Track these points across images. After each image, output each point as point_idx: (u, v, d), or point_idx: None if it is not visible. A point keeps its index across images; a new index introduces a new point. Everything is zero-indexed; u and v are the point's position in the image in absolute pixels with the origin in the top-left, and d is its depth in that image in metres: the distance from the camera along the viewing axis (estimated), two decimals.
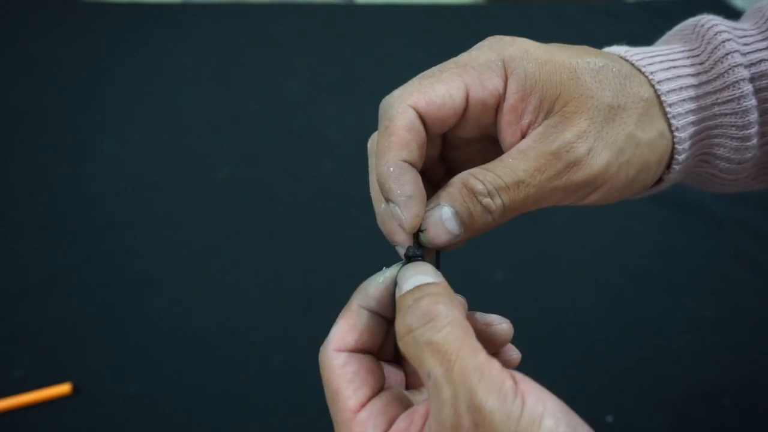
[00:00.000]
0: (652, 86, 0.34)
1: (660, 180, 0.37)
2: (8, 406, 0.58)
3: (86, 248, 0.72)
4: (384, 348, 0.33)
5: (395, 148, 0.30)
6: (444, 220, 0.31)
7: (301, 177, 0.82)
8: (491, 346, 0.32)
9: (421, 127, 0.31)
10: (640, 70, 0.35)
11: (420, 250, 0.31)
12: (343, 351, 0.30)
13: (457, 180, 0.31)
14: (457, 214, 0.31)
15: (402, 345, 0.27)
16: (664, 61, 0.36)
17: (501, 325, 0.32)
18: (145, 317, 0.66)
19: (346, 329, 0.31)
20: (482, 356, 0.25)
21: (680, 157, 0.35)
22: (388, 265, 0.32)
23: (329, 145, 0.85)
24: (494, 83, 0.31)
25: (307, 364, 0.63)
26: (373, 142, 0.35)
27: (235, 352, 0.64)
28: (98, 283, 0.69)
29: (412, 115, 0.31)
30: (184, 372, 0.62)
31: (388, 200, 0.31)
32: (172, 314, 0.66)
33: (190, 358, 0.63)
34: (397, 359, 0.34)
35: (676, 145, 0.35)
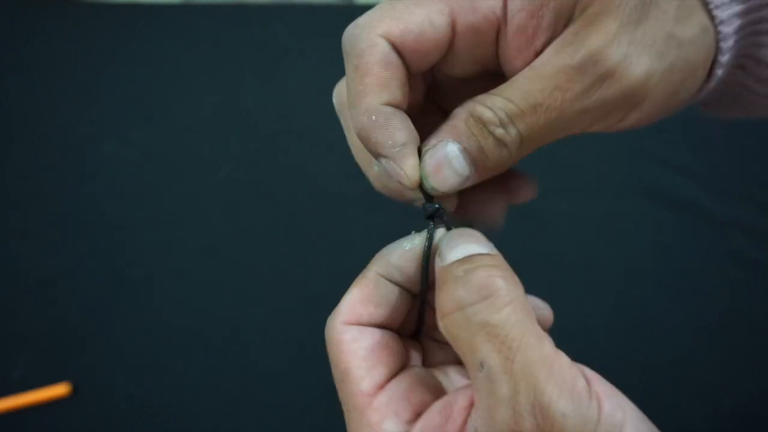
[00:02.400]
0: None
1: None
2: (6, 406, 0.57)
3: (86, 248, 0.72)
4: (403, 325, 0.28)
5: (372, 90, 0.24)
6: (450, 159, 0.25)
7: (301, 177, 0.82)
8: None
9: (398, 61, 0.25)
10: None
11: (441, 208, 0.26)
12: (354, 324, 0.25)
13: (461, 110, 0.25)
14: (465, 151, 0.25)
15: (446, 324, 0.22)
16: None
17: (542, 311, 0.27)
18: (144, 317, 0.66)
19: (359, 299, 0.26)
20: (549, 346, 0.21)
21: (723, 59, 0.28)
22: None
23: (329, 145, 0.85)
24: (489, 4, 0.25)
25: (307, 365, 0.63)
26: (340, 92, 0.29)
27: (234, 353, 0.63)
28: (97, 283, 0.69)
29: (385, 48, 0.24)
30: (183, 372, 0.62)
31: (378, 156, 0.25)
32: (172, 314, 0.66)
33: (189, 359, 0.63)
34: (415, 335, 0.29)
35: (720, 43, 0.27)
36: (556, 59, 0.25)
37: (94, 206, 0.77)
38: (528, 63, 0.25)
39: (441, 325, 0.23)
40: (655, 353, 0.64)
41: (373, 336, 0.25)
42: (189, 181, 0.81)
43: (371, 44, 0.25)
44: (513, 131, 0.25)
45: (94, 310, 0.66)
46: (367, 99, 0.25)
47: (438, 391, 0.25)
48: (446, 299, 0.22)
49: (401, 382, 0.25)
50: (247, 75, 0.98)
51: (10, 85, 0.95)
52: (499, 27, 0.25)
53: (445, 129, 0.25)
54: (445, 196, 0.26)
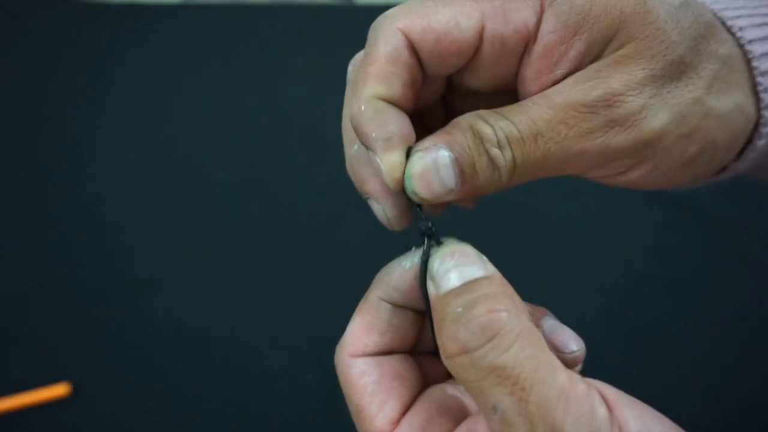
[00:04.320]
0: (740, 46, 0.26)
1: (724, 167, 0.28)
2: (6, 407, 0.57)
3: (86, 248, 0.72)
4: (420, 341, 0.26)
5: (372, 81, 0.23)
6: (439, 165, 0.23)
7: (301, 177, 0.82)
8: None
9: (409, 59, 0.23)
10: (723, 22, 0.26)
11: (426, 218, 0.24)
12: (360, 356, 0.24)
13: (463, 120, 0.24)
14: (456, 162, 0.23)
15: (451, 366, 0.21)
16: (754, 16, 0.26)
17: (575, 353, 0.24)
18: (144, 318, 0.66)
19: (363, 328, 0.24)
20: (563, 376, 0.19)
21: (761, 143, 0.26)
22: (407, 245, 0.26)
23: (329, 145, 0.85)
24: (523, 16, 0.23)
25: (306, 365, 0.63)
26: (355, 66, 0.27)
27: (234, 353, 0.63)
28: (97, 283, 0.69)
29: (398, 42, 0.23)
30: (183, 372, 0.62)
31: (367, 148, 0.24)
32: (171, 314, 0.66)
33: (189, 359, 0.63)
34: (436, 350, 0.27)
35: (762, 127, 0.26)
36: (570, 92, 0.23)
37: (94, 206, 0.77)
38: (543, 89, 0.24)
39: (446, 364, 0.21)
40: (655, 353, 0.64)
41: (381, 367, 0.24)
42: (189, 181, 0.81)
43: (386, 35, 0.23)
44: (508, 155, 0.23)
45: (94, 310, 0.66)
46: (365, 88, 0.23)
47: (459, 413, 0.24)
48: (448, 341, 0.20)
49: (418, 415, 0.23)
50: (246, 75, 0.98)
51: (10, 85, 0.95)
52: (527, 43, 0.24)
53: (442, 134, 0.24)
54: (425, 203, 0.24)
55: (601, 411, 0.19)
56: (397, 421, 0.23)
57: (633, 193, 0.78)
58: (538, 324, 0.25)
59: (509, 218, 0.72)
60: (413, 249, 0.25)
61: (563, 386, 0.19)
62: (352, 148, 0.26)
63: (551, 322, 0.25)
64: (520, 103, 0.24)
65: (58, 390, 0.58)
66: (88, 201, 0.78)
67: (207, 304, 0.67)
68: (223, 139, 0.87)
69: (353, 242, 0.73)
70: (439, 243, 0.24)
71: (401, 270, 0.24)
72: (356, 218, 0.77)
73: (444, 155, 0.23)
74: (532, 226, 0.76)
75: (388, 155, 0.23)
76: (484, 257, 0.22)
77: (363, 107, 0.23)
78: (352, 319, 0.25)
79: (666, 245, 0.76)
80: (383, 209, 0.25)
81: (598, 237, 0.76)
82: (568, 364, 0.24)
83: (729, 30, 0.26)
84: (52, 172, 0.81)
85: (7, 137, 0.86)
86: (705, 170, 0.26)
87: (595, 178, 0.25)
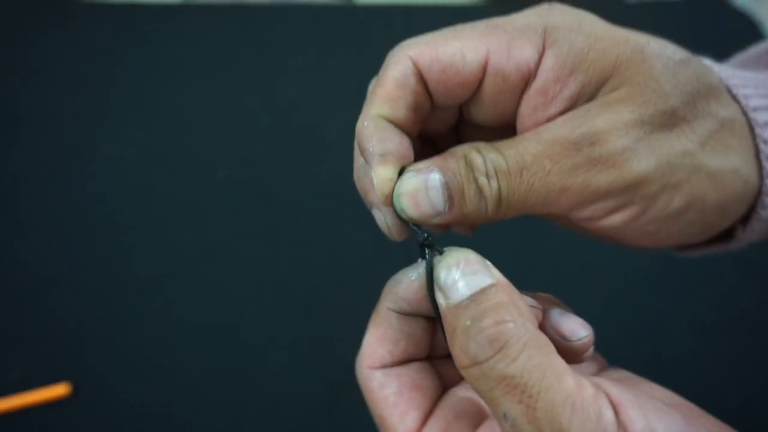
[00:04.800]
0: (744, 113, 0.26)
1: (730, 236, 0.28)
2: (6, 407, 0.57)
3: (86, 248, 0.72)
4: (435, 344, 0.27)
5: (378, 101, 0.25)
6: (429, 187, 0.24)
7: (301, 177, 0.82)
8: (563, 355, 0.26)
9: (415, 86, 0.25)
10: (729, 90, 0.26)
11: (422, 231, 0.25)
12: (378, 368, 0.25)
13: (459, 149, 0.25)
14: (446, 186, 0.24)
15: (466, 376, 0.22)
16: (760, 87, 0.27)
17: (583, 340, 0.25)
18: (144, 317, 0.66)
19: (377, 339, 0.25)
20: (570, 381, 0.20)
21: (766, 213, 0.26)
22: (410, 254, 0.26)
23: (329, 145, 0.85)
24: (525, 54, 0.24)
25: (306, 365, 0.63)
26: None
27: (234, 353, 0.63)
28: (97, 283, 0.69)
29: (406, 68, 0.25)
30: (184, 373, 0.62)
31: (365, 159, 0.26)
32: (172, 314, 0.66)
33: (189, 359, 0.63)
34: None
35: (765, 197, 0.26)
36: (558, 129, 0.24)
37: (94, 206, 0.77)
38: (537, 126, 0.25)
39: (462, 373, 0.22)
40: (655, 353, 0.64)
41: (399, 378, 0.25)
42: (188, 181, 0.81)
43: (397, 61, 0.25)
44: (494, 186, 0.24)
45: (94, 310, 0.66)
46: (371, 107, 0.25)
47: (476, 416, 0.25)
48: (460, 353, 0.21)
49: (437, 423, 0.24)
50: (246, 75, 0.98)
51: (9, 85, 0.95)
52: (527, 80, 0.25)
53: (437, 159, 0.25)
54: (414, 222, 0.25)
55: (608, 414, 0.19)
56: (418, 430, 0.24)
57: None
58: (544, 316, 0.25)
59: (510, 219, 0.72)
60: (419, 260, 0.25)
61: (570, 391, 0.19)
62: (359, 160, 0.27)
63: (557, 311, 0.26)
64: (513, 137, 0.25)
65: (58, 390, 0.58)
66: (88, 201, 0.78)
67: (207, 304, 0.67)
68: (223, 139, 0.87)
69: (353, 242, 0.73)
70: (440, 252, 0.24)
71: (408, 281, 0.25)
72: (356, 218, 0.77)
73: (435, 178, 0.24)
74: (532, 226, 0.76)
75: (380, 169, 0.24)
76: (488, 262, 0.23)
77: (366, 123, 0.25)
78: (366, 331, 0.26)
79: None
80: (385, 219, 0.26)
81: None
82: (577, 351, 0.25)
83: (734, 97, 0.26)
84: (52, 172, 0.81)
85: (6, 137, 0.86)
86: (693, 230, 0.26)
87: (580, 220, 0.26)
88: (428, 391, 0.25)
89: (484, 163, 0.24)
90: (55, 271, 0.69)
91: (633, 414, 0.20)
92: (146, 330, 0.65)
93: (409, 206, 0.24)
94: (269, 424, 0.58)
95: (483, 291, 0.21)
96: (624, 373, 0.26)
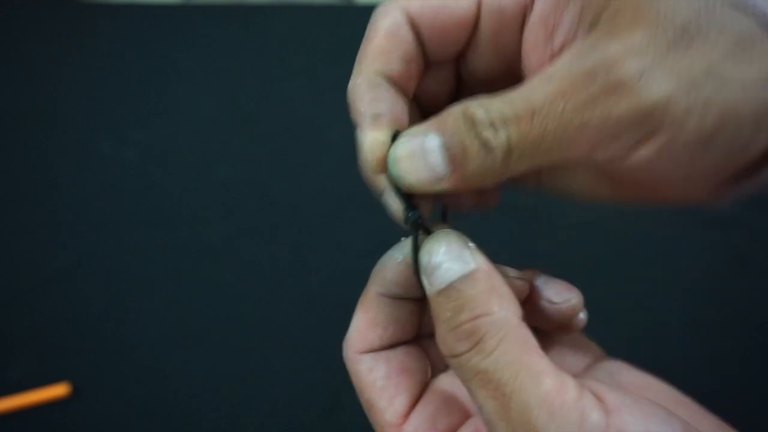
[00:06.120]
0: (761, 25, 0.23)
1: (757, 169, 0.24)
2: (6, 407, 0.57)
3: (85, 248, 0.72)
4: (420, 329, 0.26)
5: (370, 57, 0.23)
6: (426, 150, 0.22)
7: (301, 177, 0.82)
8: (556, 322, 0.26)
9: (407, 35, 0.23)
10: (742, 2, 0.23)
11: (415, 211, 0.23)
12: (367, 352, 0.24)
13: (456, 106, 0.22)
14: (446, 148, 0.22)
15: (448, 364, 0.21)
16: None
17: (570, 302, 0.25)
18: (144, 317, 0.66)
19: (366, 324, 0.25)
20: (549, 382, 0.19)
21: None
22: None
23: (329, 145, 0.85)
24: None
25: (306, 365, 0.63)
26: None
27: (235, 353, 0.63)
28: (98, 283, 0.69)
29: (397, 18, 0.23)
30: (184, 372, 0.62)
31: (356, 124, 0.24)
32: (172, 314, 0.66)
33: (189, 359, 0.63)
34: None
35: None
36: (566, 64, 0.22)
37: (94, 206, 0.77)
38: (541, 61, 0.23)
39: (447, 362, 0.22)
40: (654, 353, 0.64)
41: (388, 362, 0.24)
42: (189, 181, 0.81)
43: (387, 12, 0.24)
44: (502, 135, 0.21)
45: (94, 310, 0.66)
46: (363, 64, 0.23)
47: (463, 408, 0.24)
48: (442, 344, 0.21)
49: (426, 407, 0.24)
50: (246, 75, 0.98)
51: (9, 84, 0.95)
52: (525, 12, 0.23)
53: (432, 120, 0.22)
54: (414, 192, 0.23)
55: (594, 417, 0.18)
56: (407, 414, 0.23)
57: None
58: (531, 284, 0.25)
59: (509, 218, 0.72)
60: (402, 240, 0.25)
61: (546, 394, 0.18)
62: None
63: (542, 278, 0.25)
64: (515, 85, 0.23)
65: (58, 390, 0.58)
66: (88, 201, 0.78)
67: (207, 304, 0.67)
68: (223, 139, 0.87)
69: (353, 242, 0.73)
70: (428, 232, 0.23)
71: (394, 263, 0.24)
72: (356, 218, 0.77)
73: (433, 139, 0.22)
74: (532, 226, 0.76)
75: (372, 132, 0.22)
76: (472, 244, 0.22)
77: (358, 81, 0.23)
78: (354, 315, 0.25)
79: (666, 245, 0.76)
80: (395, 204, 0.24)
81: (598, 237, 0.76)
82: (567, 314, 0.25)
83: (748, 9, 0.23)
84: (52, 171, 0.82)
85: (6, 137, 0.86)
86: (729, 152, 0.22)
87: (602, 159, 0.23)
88: (417, 374, 0.24)
89: (486, 114, 0.21)
90: (55, 271, 0.69)
91: (629, 419, 0.18)
92: (146, 330, 0.65)
93: (406, 172, 0.22)
94: (269, 424, 0.58)
95: (464, 278, 0.21)
96: (622, 365, 0.26)
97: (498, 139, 0.21)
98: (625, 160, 0.22)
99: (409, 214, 0.23)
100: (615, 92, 0.21)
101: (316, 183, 0.81)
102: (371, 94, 0.23)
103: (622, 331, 0.66)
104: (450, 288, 0.21)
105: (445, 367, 0.26)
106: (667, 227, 0.78)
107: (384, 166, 0.23)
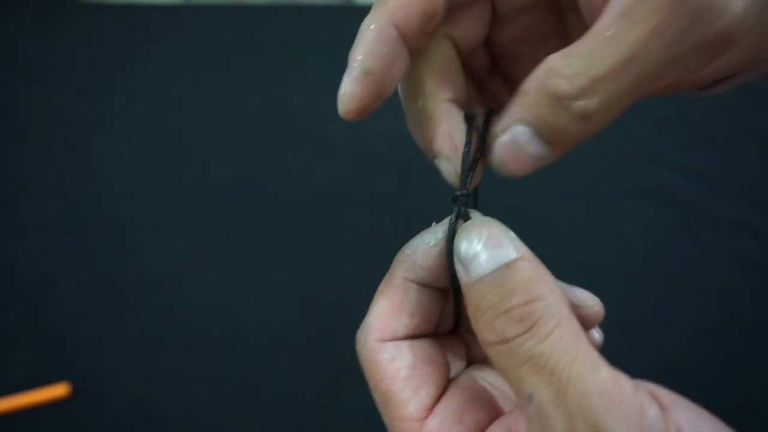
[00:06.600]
0: None
1: None
2: (6, 407, 0.57)
3: (86, 248, 0.72)
4: (438, 323, 0.25)
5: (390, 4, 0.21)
6: (521, 144, 0.21)
7: (301, 177, 0.82)
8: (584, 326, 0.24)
9: None
10: None
11: (465, 195, 0.22)
12: (390, 341, 0.22)
13: (532, 82, 0.21)
14: (538, 134, 0.21)
15: (491, 354, 0.20)
16: None
17: (594, 308, 0.24)
18: (144, 317, 0.66)
19: (391, 310, 0.23)
20: (605, 372, 0.18)
21: None
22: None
23: (329, 145, 0.85)
24: None
25: (307, 365, 0.63)
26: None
27: (235, 353, 0.63)
28: (98, 283, 0.69)
29: None
30: (184, 372, 0.62)
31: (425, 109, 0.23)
32: (172, 314, 0.66)
33: (189, 358, 0.63)
34: (454, 330, 0.26)
35: None
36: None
37: (94, 206, 0.77)
38: None
39: (485, 350, 0.20)
40: (654, 353, 0.64)
41: (413, 351, 0.22)
42: (189, 181, 0.81)
43: None
44: (594, 101, 0.20)
45: (94, 310, 0.66)
46: (378, 11, 0.22)
47: (491, 406, 0.23)
48: (485, 330, 0.19)
49: (452, 401, 0.22)
50: (246, 75, 0.98)
51: (10, 84, 0.95)
52: None
53: (513, 109, 0.21)
54: (519, 176, 0.23)
55: (653, 411, 0.17)
56: (431, 409, 0.21)
57: (633, 192, 0.78)
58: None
59: (509, 218, 0.72)
60: (433, 224, 0.23)
61: (605, 383, 0.18)
62: (416, 104, 0.23)
63: (565, 285, 0.24)
64: (591, 31, 0.20)
65: (58, 390, 0.58)
66: (88, 200, 0.78)
67: (207, 304, 0.67)
68: (223, 139, 0.87)
69: (353, 242, 0.73)
70: (466, 217, 0.22)
71: (426, 248, 0.23)
72: (356, 218, 0.77)
73: (523, 132, 0.21)
74: (532, 226, 0.76)
75: (349, 86, 0.22)
76: (512, 233, 0.21)
77: (372, 26, 0.22)
78: (374, 302, 0.23)
79: (666, 245, 0.76)
80: (454, 168, 0.23)
81: (598, 237, 0.76)
82: (591, 320, 0.24)
83: None
84: (53, 171, 0.82)
85: (7, 137, 0.86)
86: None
87: (676, 84, 0.22)
88: (442, 367, 0.23)
89: (571, 84, 0.20)
90: (55, 271, 0.69)
91: (683, 417, 0.18)
92: (146, 330, 0.65)
93: (512, 170, 0.22)
94: (269, 424, 0.58)
95: (508, 266, 0.19)
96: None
97: (593, 105, 0.20)
98: (690, 78, 0.22)
99: (459, 192, 0.23)
100: (700, 17, 0.19)
101: (316, 183, 0.81)
102: (370, 44, 0.22)
103: (622, 331, 0.66)
104: (494, 274, 0.19)
105: (458, 363, 0.25)
106: (668, 227, 0.78)
107: (470, 156, 0.22)
